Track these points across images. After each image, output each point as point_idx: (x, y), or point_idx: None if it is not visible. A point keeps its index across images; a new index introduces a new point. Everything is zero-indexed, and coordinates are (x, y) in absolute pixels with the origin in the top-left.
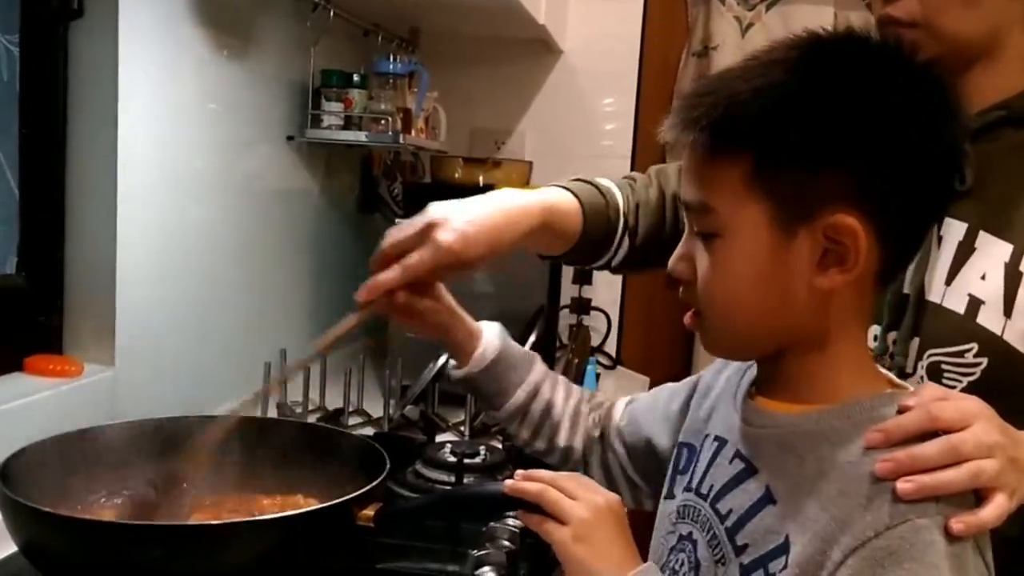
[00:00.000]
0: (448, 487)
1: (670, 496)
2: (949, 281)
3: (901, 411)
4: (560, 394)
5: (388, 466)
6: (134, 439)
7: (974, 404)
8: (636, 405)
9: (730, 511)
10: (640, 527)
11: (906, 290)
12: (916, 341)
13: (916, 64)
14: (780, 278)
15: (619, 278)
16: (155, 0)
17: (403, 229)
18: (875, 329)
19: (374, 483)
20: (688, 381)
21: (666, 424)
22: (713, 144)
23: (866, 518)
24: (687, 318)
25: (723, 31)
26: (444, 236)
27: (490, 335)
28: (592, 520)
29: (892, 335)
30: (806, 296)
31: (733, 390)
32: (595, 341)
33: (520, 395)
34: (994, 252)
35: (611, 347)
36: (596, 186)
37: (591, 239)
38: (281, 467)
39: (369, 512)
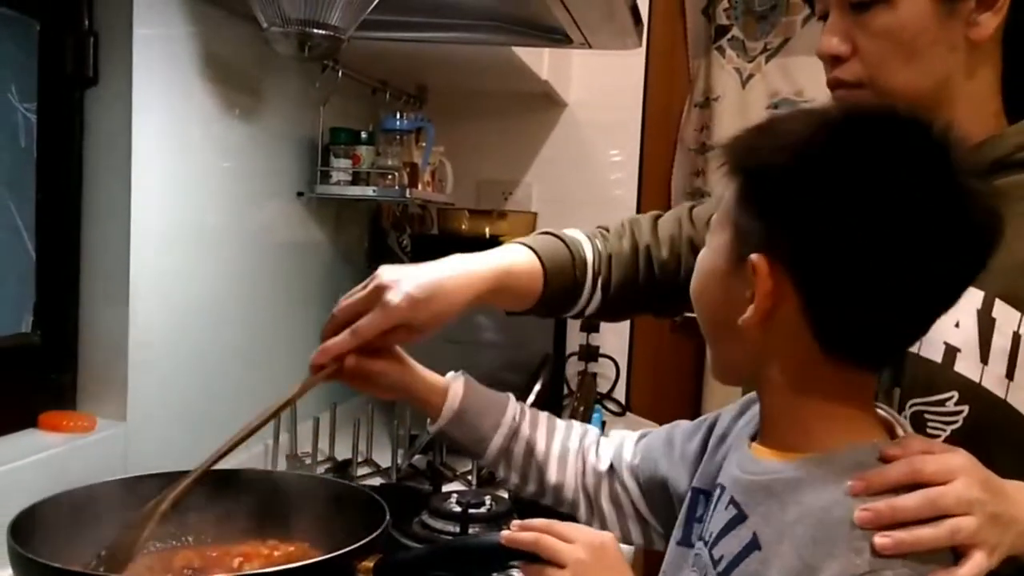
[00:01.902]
0: (452, 538)
1: (686, 543)
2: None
3: (884, 459)
4: (541, 432)
5: (388, 518)
6: (145, 493)
7: (958, 458)
8: (649, 442)
9: (721, 557)
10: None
11: None
12: (897, 391)
13: (943, 157)
14: (723, 304)
15: (627, 325)
16: (168, 64)
17: (353, 294)
18: None
19: (373, 535)
20: (703, 421)
21: (683, 465)
22: (726, 163)
23: (833, 566)
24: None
25: (724, 82)
26: (392, 298)
27: (455, 386)
28: (589, 560)
29: None
30: (743, 331)
31: (738, 437)
32: (604, 388)
33: (497, 440)
34: (966, 299)
35: (620, 394)
36: (563, 240)
37: (554, 294)
38: (283, 518)
39: (369, 564)
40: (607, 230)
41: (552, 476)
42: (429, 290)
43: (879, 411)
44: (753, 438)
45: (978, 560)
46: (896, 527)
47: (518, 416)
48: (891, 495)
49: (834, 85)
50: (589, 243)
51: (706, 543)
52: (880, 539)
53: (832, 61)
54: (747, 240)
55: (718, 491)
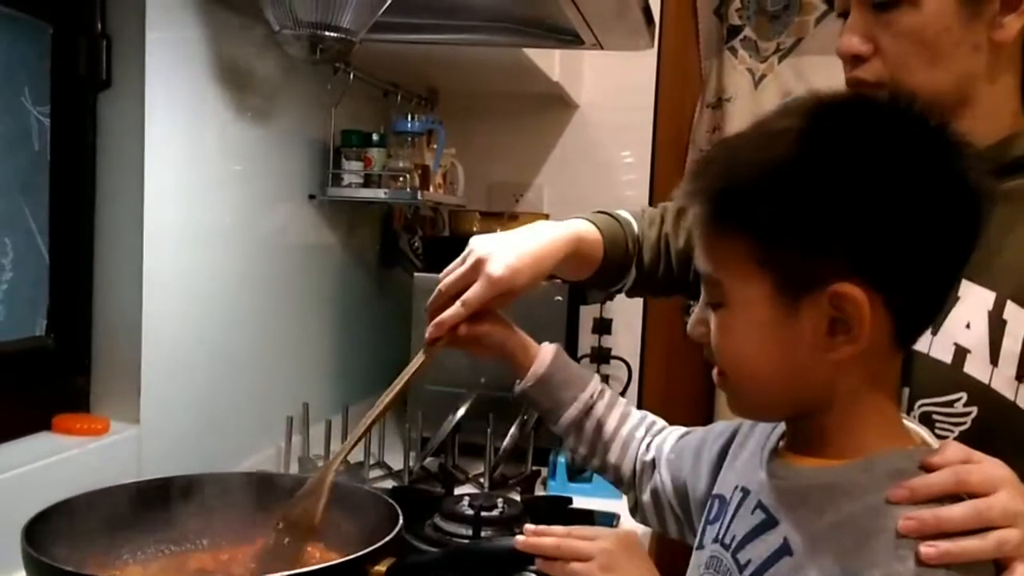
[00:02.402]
0: (465, 540)
1: (700, 546)
2: (935, 331)
3: (925, 468)
4: (614, 415)
5: (401, 522)
6: (159, 496)
7: (1001, 470)
8: (687, 440)
9: (749, 561)
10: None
11: None
12: (906, 391)
13: (927, 126)
14: (789, 348)
15: (639, 327)
16: (180, 67)
17: (453, 269)
18: None
19: (386, 539)
20: (733, 424)
21: (707, 466)
22: (716, 217)
23: (875, 574)
24: (714, 377)
25: (736, 83)
26: (494, 269)
27: (545, 353)
28: (615, 550)
29: None
30: (818, 366)
31: (763, 443)
32: (616, 390)
33: (572, 412)
34: (977, 300)
35: (632, 396)
36: (616, 217)
37: (611, 265)
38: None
39: (381, 568)
40: (643, 213)
41: (612, 457)
42: (524, 257)
43: (907, 422)
44: (777, 444)
45: (1021, 573)
46: (940, 537)
47: (596, 395)
48: (935, 504)
49: (854, 84)
50: (636, 223)
51: (727, 547)
52: (926, 548)
53: (852, 60)
54: (800, 278)
55: (739, 494)
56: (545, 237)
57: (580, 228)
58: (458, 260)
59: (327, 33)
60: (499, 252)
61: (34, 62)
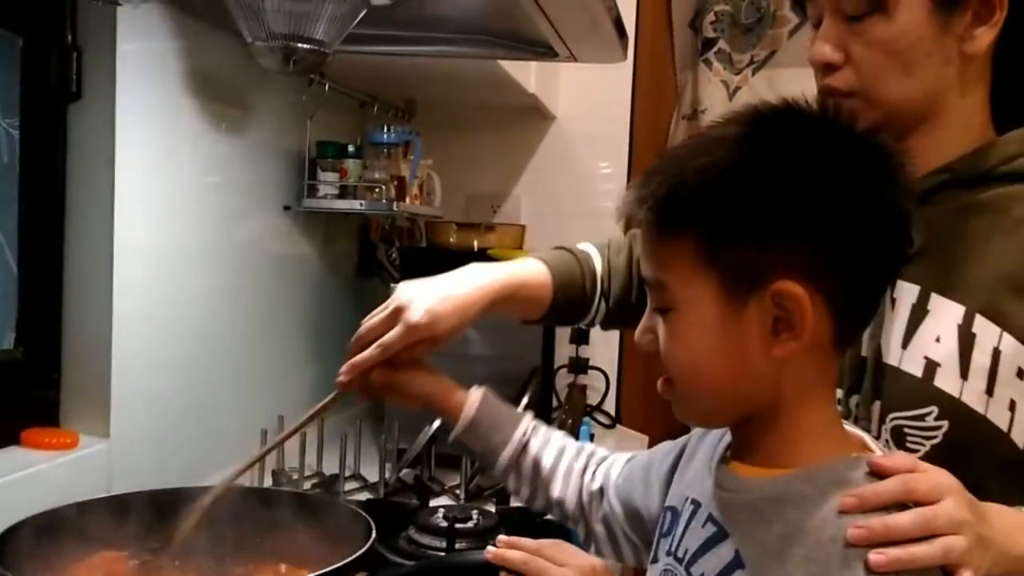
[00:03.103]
0: (440, 553)
1: (655, 560)
2: (905, 344)
3: (874, 471)
4: (550, 451)
5: (374, 535)
6: (129, 511)
7: (946, 478)
8: (634, 464)
9: (702, 575)
10: None
11: (864, 352)
12: (877, 404)
13: (856, 133)
14: (736, 348)
15: (616, 336)
16: (152, 78)
17: (376, 315)
18: (837, 393)
19: (357, 553)
20: (680, 441)
21: (657, 485)
22: (661, 224)
23: None
24: (659, 385)
25: (711, 94)
26: (413, 315)
27: (473, 398)
28: None
29: (854, 399)
30: (764, 365)
31: (711, 453)
32: (594, 400)
33: (507, 453)
34: (947, 314)
35: (610, 406)
36: (575, 254)
37: (562, 306)
38: (268, 535)
39: None
40: (609, 245)
41: (555, 493)
42: (447, 303)
43: (848, 427)
44: (724, 453)
45: None
46: (888, 545)
47: (529, 432)
48: (882, 512)
49: (825, 92)
50: (600, 256)
51: (680, 560)
52: (875, 556)
53: (824, 69)
54: (744, 277)
55: (690, 507)
56: (472, 283)
57: (519, 271)
58: (381, 307)
59: (300, 45)
60: (420, 298)
61: (3, 74)
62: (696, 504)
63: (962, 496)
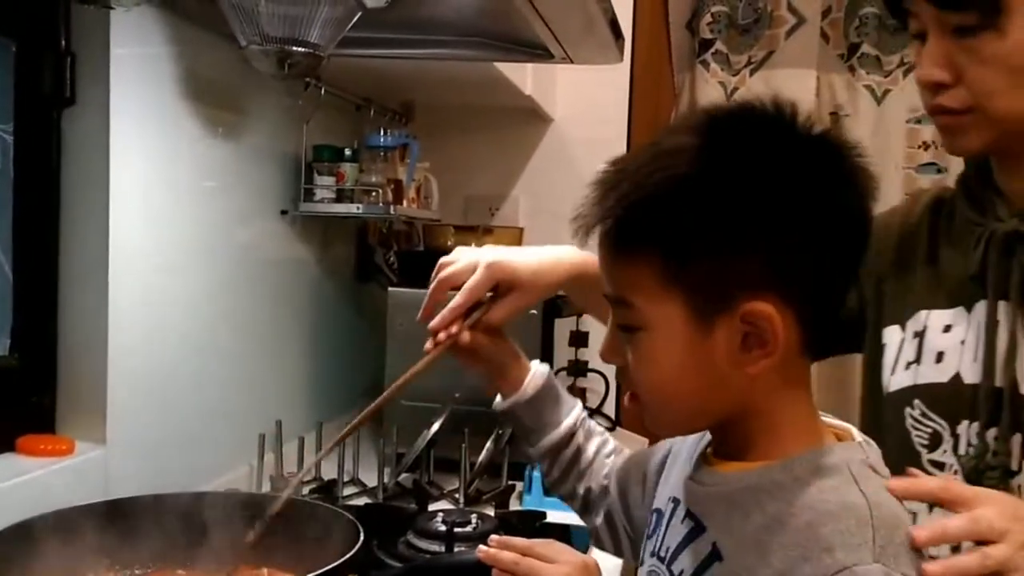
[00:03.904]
0: (429, 556)
1: (641, 562)
2: None
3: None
4: (593, 443)
5: (362, 539)
6: (124, 516)
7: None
8: (632, 461)
9: (682, 571)
10: None
11: (999, 383)
12: (1018, 438)
13: (810, 134)
14: (706, 366)
15: None
16: (147, 83)
17: (454, 263)
18: (973, 427)
19: (344, 558)
20: (668, 442)
21: (649, 484)
22: (621, 241)
23: (805, 569)
24: (625, 400)
25: (709, 96)
26: (494, 257)
27: (538, 374)
28: (573, 575)
29: (991, 432)
30: (734, 379)
31: (692, 452)
32: (594, 403)
33: (554, 436)
34: None
35: (610, 409)
36: None
37: None
38: (261, 540)
39: None
40: None
41: (584, 485)
42: (528, 259)
43: (829, 419)
44: (704, 451)
45: None
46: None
47: (579, 422)
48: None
49: (936, 111)
50: None
51: (662, 559)
52: (930, 567)
53: (934, 88)
54: (712, 294)
55: (671, 505)
56: (551, 252)
57: (589, 255)
58: (461, 255)
59: (295, 48)
60: (500, 252)
61: None
62: (675, 502)
63: (1003, 505)
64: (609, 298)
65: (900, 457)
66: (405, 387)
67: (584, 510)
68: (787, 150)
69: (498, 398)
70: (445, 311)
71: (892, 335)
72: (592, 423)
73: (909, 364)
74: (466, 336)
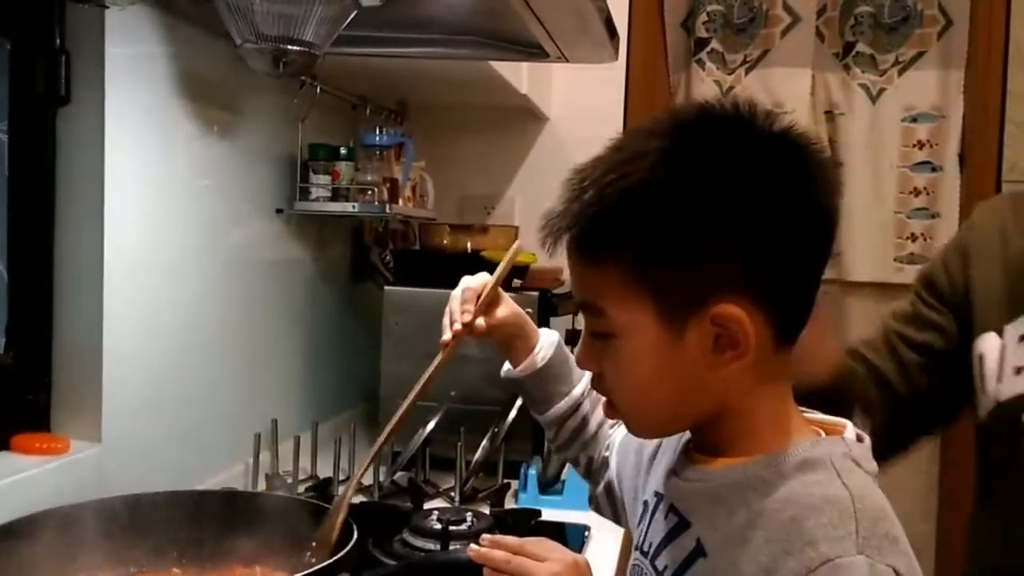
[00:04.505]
0: (423, 554)
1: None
2: None
3: None
4: (598, 413)
5: (355, 537)
6: (119, 515)
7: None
8: (630, 438)
9: (666, 567)
10: None
11: None
12: None
13: (773, 132)
14: (680, 369)
15: None
16: (142, 82)
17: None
18: None
19: (338, 556)
20: None
21: (642, 468)
22: (588, 248)
23: (789, 563)
24: (603, 407)
25: (704, 94)
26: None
27: (546, 342)
28: (563, 573)
29: None
30: (708, 381)
31: (675, 446)
32: None
33: (561, 406)
34: None
35: None
36: None
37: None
38: (251, 539)
39: None
40: None
41: (588, 451)
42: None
43: (820, 416)
44: (687, 446)
45: None
46: None
47: (585, 393)
48: None
49: None
50: None
51: (646, 554)
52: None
53: None
54: (680, 299)
55: (654, 499)
56: None
57: None
58: None
59: (289, 47)
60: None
61: None
62: (659, 496)
63: None
64: (579, 305)
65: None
66: (434, 380)
67: (587, 476)
68: (749, 150)
69: (506, 365)
70: (453, 304)
71: (988, 342)
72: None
73: (1019, 369)
74: (481, 323)
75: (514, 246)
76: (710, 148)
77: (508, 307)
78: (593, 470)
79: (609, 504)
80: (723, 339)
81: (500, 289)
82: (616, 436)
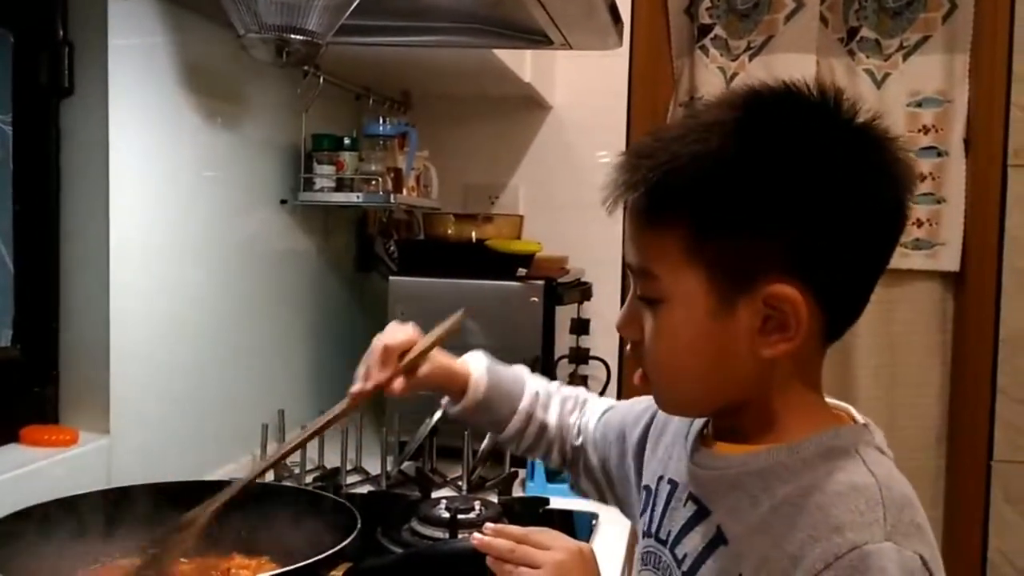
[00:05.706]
0: (427, 543)
1: (640, 538)
2: None
3: None
4: (552, 412)
5: (359, 526)
6: (127, 505)
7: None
8: (610, 420)
9: (685, 555)
10: None
11: None
12: None
13: (854, 123)
14: (723, 345)
15: None
16: (145, 73)
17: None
18: None
19: (340, 545)
20: (650, 409)
21: (631, 452)
22: (651, 209)
23: (815, 550)
24: (636, 377)
25: (708, 81)
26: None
27: (477, 372)
28: (567, 561)
29: None
30: (750, 362)
31: (685, 431)
32: (595, 390)
33: (515, 423)
34: None
35: (611, 396)
36: None
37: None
38: (258, 529)
39: (338, 573)
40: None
41: (554, 448)
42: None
43: (829, 400)
44: (702, 432)
45: None
46: None
47: (533, 401)
48: None
49: None
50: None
51: (664, 542)
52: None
53: None
54: (736, 272)
55: (667, 487)
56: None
57: None
58: None
59: (292, 36)
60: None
61: None
62: (673, 484)
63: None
64: (633, 268)
65: None
66: (333, 425)
67: (562, 466)
68: (825, 136)
69: (450, 406)
70: (371, 359)
71: None
72: (546, 387)
73: None
74: (400, 383)
75: (456, 315)
76: (789, 127)
77: (432, 363)
78: (567, 461)
79: (595, 488)
80: (772, 321)
81: None
82: (589, 421)
